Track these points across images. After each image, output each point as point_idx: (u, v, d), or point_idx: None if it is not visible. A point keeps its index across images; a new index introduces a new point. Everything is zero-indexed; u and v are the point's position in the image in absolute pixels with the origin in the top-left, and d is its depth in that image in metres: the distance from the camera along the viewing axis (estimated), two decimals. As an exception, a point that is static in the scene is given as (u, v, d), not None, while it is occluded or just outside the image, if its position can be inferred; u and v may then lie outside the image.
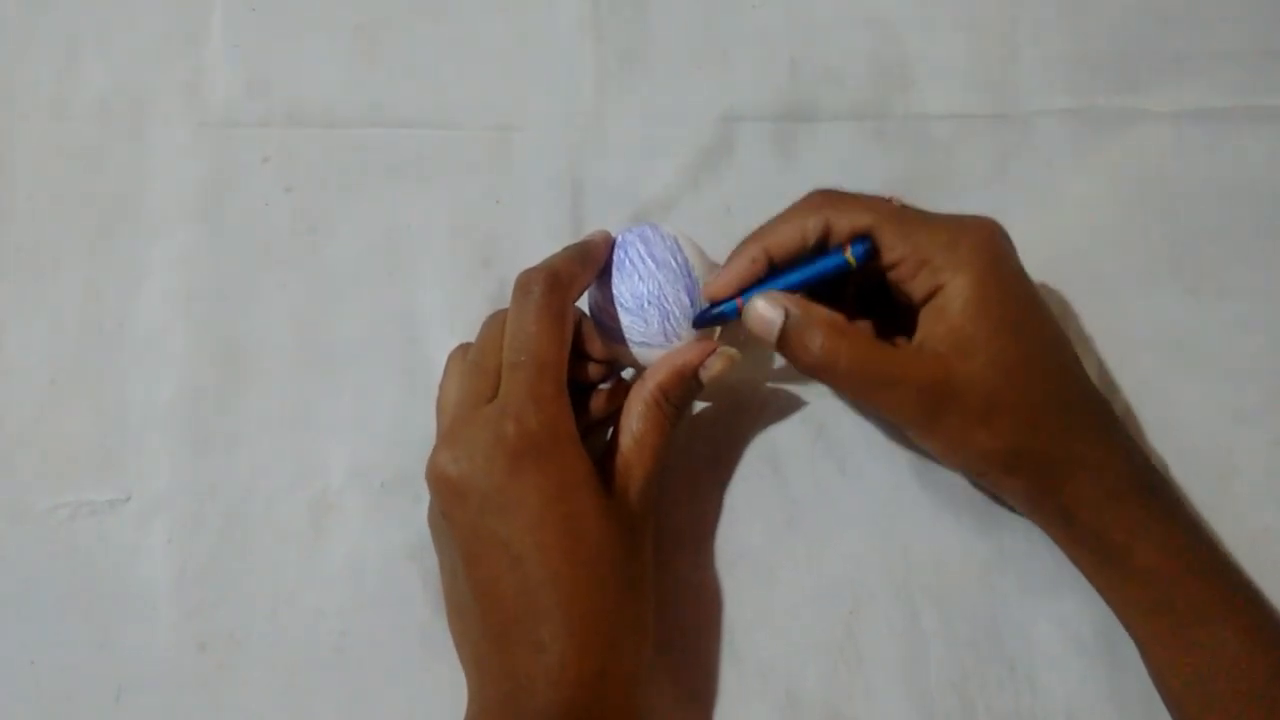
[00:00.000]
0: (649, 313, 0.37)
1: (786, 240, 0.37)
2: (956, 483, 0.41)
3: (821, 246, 0.37)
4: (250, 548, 0.41)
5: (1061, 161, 0.45)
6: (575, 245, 0.38)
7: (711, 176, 0.45)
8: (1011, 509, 0.40)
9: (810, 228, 0.36)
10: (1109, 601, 0.37)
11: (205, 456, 0.42)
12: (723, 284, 0.37)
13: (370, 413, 0.43)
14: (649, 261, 0.37)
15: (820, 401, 0.42)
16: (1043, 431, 0.35)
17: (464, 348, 0.38)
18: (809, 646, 0.39)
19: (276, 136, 0.46)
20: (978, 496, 0.40)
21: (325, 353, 0.43)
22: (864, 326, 0.39)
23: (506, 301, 0.37)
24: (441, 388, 0.38)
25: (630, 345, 0.38)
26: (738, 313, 0.37)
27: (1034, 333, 0.36)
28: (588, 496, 0.34)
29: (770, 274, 0.37)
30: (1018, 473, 0.35)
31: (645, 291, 0.37)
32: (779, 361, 0.43)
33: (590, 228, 0.44)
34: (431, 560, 0.38)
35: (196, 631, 0.40)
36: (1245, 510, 0.40)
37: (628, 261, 0.38)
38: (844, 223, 0.36)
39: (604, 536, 0.34)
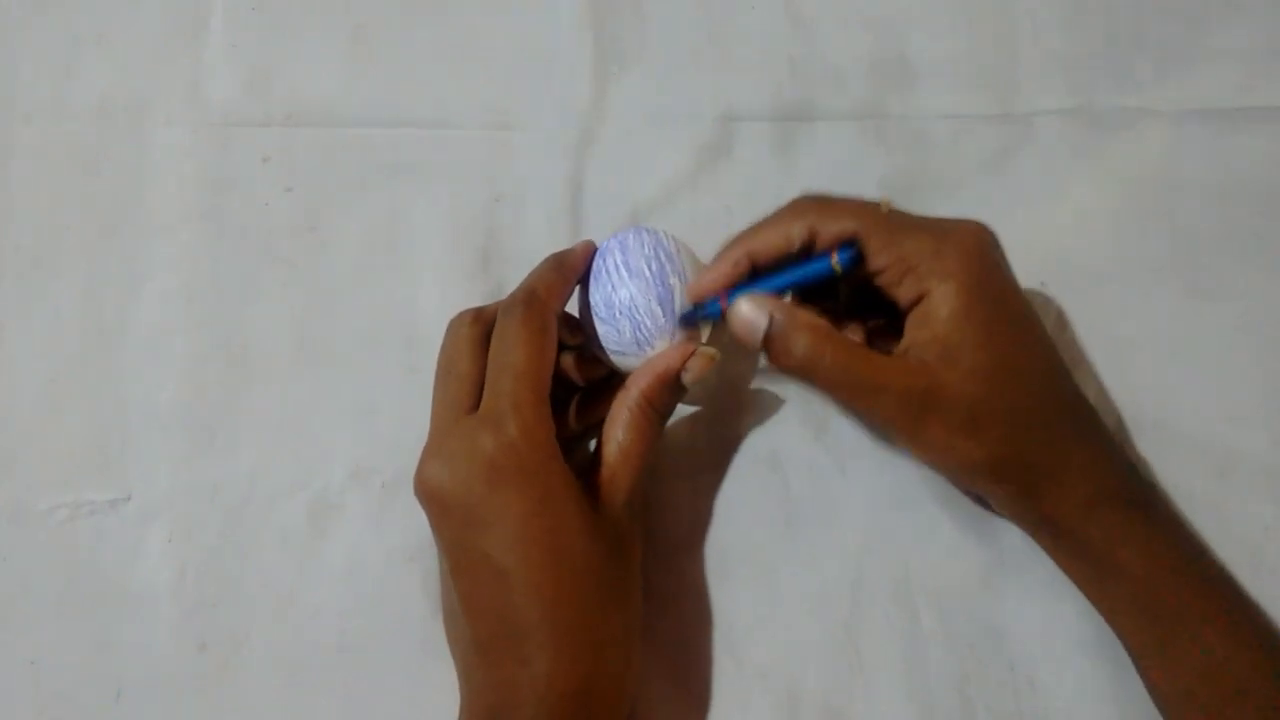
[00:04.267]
0: (620, 322, 0.37)
1: (770, 245, 0.37)
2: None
3: (807, 251, 0.37)
4: (250, 548, 0.41)
5: (1061, 161, 0.45)
6: (553, 256, 0.38)
7: (711, 176, 0.45)
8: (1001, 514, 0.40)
9: (795, 234, 0.36)
10: (1097, 607, 0.37)
11: (205, 456, 0.42)
12: (704, 286, 0.37)
13: (370, 413, 0.43)
14: (622, 271, 0.37)
15: (820, 401, 0.42)
16: (1026, 441, 0.34)
17: (465, 315, 0.37)
18: (809, 646, 0.39)
19: (276, 136, 0.46)
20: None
21: (325, 353, 0.43)
22: (853, 330, 0.39)
23: (506, 301, 0.37)
24: (434, 383, 0.38)
25: (608, 354, 0.38)
26: (722, 313, 0.37)
27: (1019, 341, 0.35)
28: (570, 508, 0.34)
29: (753, 277, 0.37)
30: (1001, 481, 0.35)
31: (617, 301, 0.37)
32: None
33: (590, 226, 0.45)
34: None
35: (196, 631, 0.40)
36: (1245, 510, 0.40)
37: (603, 271, 0.38)
38: (830, 229, 0.36)
39: (587, 548, 0.34)
